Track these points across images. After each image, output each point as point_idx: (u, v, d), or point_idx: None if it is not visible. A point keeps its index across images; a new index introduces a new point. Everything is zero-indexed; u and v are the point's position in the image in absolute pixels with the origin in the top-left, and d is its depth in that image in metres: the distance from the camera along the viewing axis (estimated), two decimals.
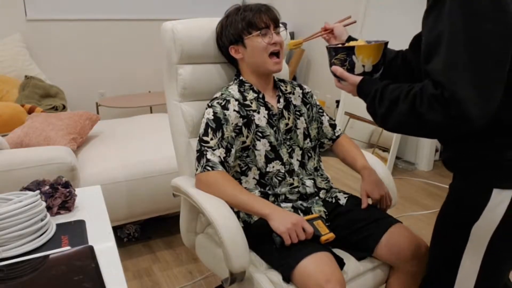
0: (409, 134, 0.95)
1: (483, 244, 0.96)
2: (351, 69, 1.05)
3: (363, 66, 1.04)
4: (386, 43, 1.06)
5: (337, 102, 3.66)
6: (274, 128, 1.34)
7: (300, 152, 1.38)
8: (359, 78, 1.03)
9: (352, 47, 1.03)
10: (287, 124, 1.37)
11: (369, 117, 3.45)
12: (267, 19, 1.30)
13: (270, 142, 1.32)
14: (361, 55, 1.03)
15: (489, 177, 0.93)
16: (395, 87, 0.94)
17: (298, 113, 1.41)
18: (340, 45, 1.10)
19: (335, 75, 1.08)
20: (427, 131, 0.90)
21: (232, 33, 1.33)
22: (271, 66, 1.32)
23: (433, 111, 0.84)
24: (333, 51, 1.07)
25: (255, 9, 1.31)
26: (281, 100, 1.39)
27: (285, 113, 1.38)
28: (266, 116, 1.34)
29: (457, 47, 0.81)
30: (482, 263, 0.97)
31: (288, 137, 1.36)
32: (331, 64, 1.09)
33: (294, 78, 4.33)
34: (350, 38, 1.28)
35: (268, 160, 1.32)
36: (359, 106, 3.31)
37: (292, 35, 4.32)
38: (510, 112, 0.89)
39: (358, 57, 1.03)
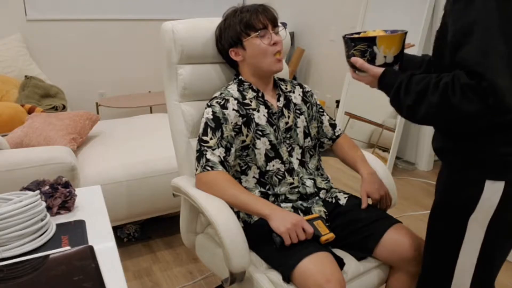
0: (439, 125, 0.94)
1: (480, 236, 0.97)
2: (371, 60, 1.02)
3: (385, 57, 1.01)
4: (406, 33, 1.03)
5: (337, 102, 3.66)
6: (274, 127, 1.34)
7: (300, 151, 1.38)
8: (381, 69, 1.00)
9: (374, 38, 0.99)
10: (287, 123, 1.37)
11: (369, 117, 3.44)
12: (265, 19, 1.30)
13: (270, 141, 1.32)
14: (382, 46, 0.99)
15: (481, 170, 0.94)
16: (420, 78, 0.92)
17: (298, 111, 1.41)
18: (357, 35, 1.05)
19: (353, 66, 1.05)
20: (459, 122, 0.88)
21: (231, 35, 1.32)
22: (273, 66, 1.31)
23: (468, 102, 0.82)
24: (352, 42, 1.03)
25: (252, 10, 1.30)
26: (281, 98, 1.39)
27: (285, 112, 1.38)
28: (266, 114, 1.34)
29: (492, 35, 0.80)
30: (479, 256, 0.98)
31: (288, 135, 1.36)
32: (349, 56, 1.05)
33: (294, 78, 4.33)
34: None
35: (268, 159, 1.32)
36: (359, 106, 3.31)
37: (292, 35, 4.32)
38: None
39: (380, 48, 1.00)
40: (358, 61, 1.03)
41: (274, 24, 1.32)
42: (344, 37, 1.07)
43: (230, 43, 1.33)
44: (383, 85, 1.01)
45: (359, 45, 1.02)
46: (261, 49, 1.29)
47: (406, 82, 0.94)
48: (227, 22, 1.34)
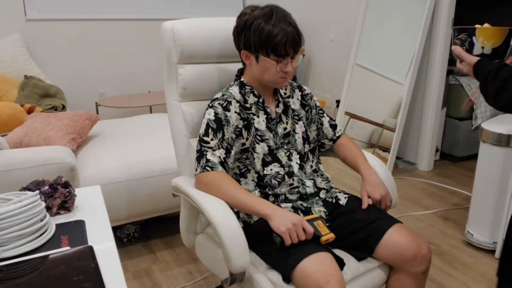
0: None
1: None
2: (469, 50, 1.09)
3: (482, 47, 1.08)
4: (510, 30, 1.09)
5: (337, 102, 3.66)
6: (273, 132, 1.34)
7: (298, 156, 1.38)
8: (476, 58, 1.07)
9: (474, 28, 1.07)
10: (285, 129, 1.36)
11: (369, 117, 3.43)
12: (289, 48, 1.24)
13: (269, 146, 1.32)
14: (481, 37, 1.07)
15: None
16: (509, 68, 0.97)
17: (296, 117, 1.40)
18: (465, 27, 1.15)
19: (454, 54, 1.13)
20: None
21: (251, 42, 1.25)
22: (276, 84, 1.30)
23: None
24: (456, 31, 1.11)
25: (284, 33, 1.22)
26: (280, 105, 1.38)
27: (283, 118, 1.37)
28: (265, 120, 1.33)
29: None
30: None
31: (286, 141, 1.36)
32: (453, 44, 1.14)
33: (294, 78, 4.33)
34: None
35: (265, 164, 1.31)
36: (359, 106, 3.30)
37: None
38: None
39: (478, 39, 1.07)
40: (457, 49, 1.11)
41: (295, 51, 1.27)
42: (452, 27, 1.17)
43: (246, 47, 1.28)
44: (476, 73, 1.07)
45: (460, 35, 1.11)
46: (270, 71, 1.27)
47: (495, 70, 1.00)
48: (256, 23, 1.24)
